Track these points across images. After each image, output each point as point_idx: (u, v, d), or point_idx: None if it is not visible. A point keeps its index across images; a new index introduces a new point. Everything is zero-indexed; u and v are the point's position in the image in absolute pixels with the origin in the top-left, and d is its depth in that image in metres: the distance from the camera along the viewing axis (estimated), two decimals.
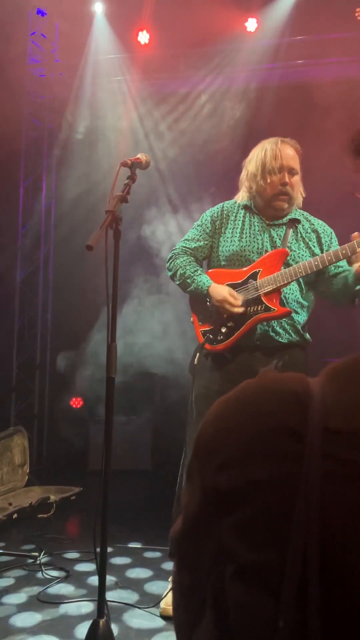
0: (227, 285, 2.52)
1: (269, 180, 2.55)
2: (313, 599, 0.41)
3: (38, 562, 3.04)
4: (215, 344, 2.52)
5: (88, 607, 2.51)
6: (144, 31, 5.35)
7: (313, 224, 2.65)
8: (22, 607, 2.51)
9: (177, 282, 2.67)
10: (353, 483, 0.42)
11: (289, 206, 2.59)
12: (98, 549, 1.95)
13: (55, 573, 2.92)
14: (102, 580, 1.88)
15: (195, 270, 2.61)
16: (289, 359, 2.53)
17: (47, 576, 2.87)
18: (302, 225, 2.62)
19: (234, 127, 5.27)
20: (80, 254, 3.58)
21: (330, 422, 0.44)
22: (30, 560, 3.07)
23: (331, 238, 2.62)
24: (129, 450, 5.15)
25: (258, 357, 2.51)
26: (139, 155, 2.28)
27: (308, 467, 0.43)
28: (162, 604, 2.46)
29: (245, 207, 2.65)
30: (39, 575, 2.89)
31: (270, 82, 5.16)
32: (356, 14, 4.69)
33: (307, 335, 2.63)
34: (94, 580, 2.77)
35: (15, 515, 3.77)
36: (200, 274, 2.59)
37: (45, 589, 2.70)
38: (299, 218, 2.63)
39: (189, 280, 2.60)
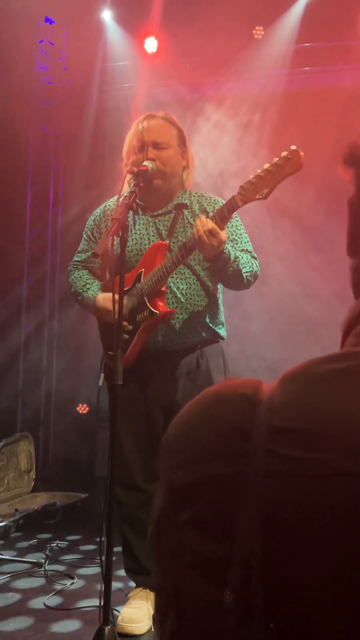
0: None
1: (132, 161, 2.35)
2: (256, 590, 0.43)
3: (44, 568, 3.03)
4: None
5: (94, 614, 2.51)
6: (152, 37, 5.38)
7: (202, 204, 2.40)
8: (28, 614, 2.51)
9: (76, 302, 2.50)
10: (293, 478, 0.44)
11: (163, 182, 2.36)
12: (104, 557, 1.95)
13: (61, 579, 2.92)
14: (107, 587, 1.88)
15: (84, 285, 2.43)
16: (207, 354, 2.35)
17: (53, 583, 2.87)
18: (190, 209, 2.38)
19: (242, 133, 5.28)
20: None
21: (275, 421, 0.47)
22: (36, 567, 3.07)
23: None
24: None
25: (171, 360, 2.32)
26: (145, 163, 2.27)
27: (253, 464, 0.46)
28: (118, 621, 2.27)
29: None
30: (45, 581, 2.89)
31: (278, 89, 5.18)
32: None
33: (220, 330, 2.42)
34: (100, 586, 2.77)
35: (21, 521, 3.78)
36: (88, 288, 2.40)
37: (51, 595, 2.70)
38: (185, 202, 2.40)
39: (79, 298, 2.44)
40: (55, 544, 3.48)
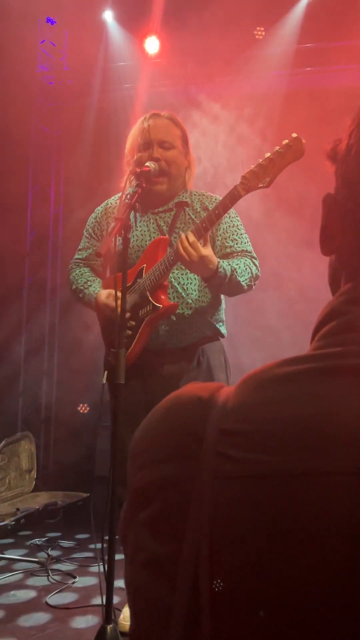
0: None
1: (136, 158, 2.32)
2: (203, 589, 0.45)
3: (45, 567, 3.04)
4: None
5: (96, 612, 2.51)
6: (154, 37, 5.38)
7: (204, 202, 2.39)
8: (30, 613, 2.52)
9: (76, 299, 2.50)
10: (237, 478, 0.46)
11: (169, 186, 2.34)
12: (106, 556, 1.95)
13: (62, 578, 2.92)
14: (109, 586, 1.88)
15: (85, 282, 2.43)
16: (208, 352, 2.34)
17: (55, 581, 2.88)
18: (192, 207, 2.37)
19: (244, 133, 5.29)
20: None
21: (225, 424, 0.49)
22: (38, 566, 3.08)
23: (228, 214, 2.27)
24: None
25: (172, 357, 2.29)
26: (147, 164, 2.27)
27: (203, 465, 0.48)
28: (121, 620, 2.26)
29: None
30: (47, 580, 2.90)
31: (279, 89, 5.18)
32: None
33: (221, 328, 2.40)
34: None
35: (22, 521, 3.78)
36: (89, 285, 2.41)
37: (53, 594, 2.71)
38: (186, 200, 2.39)
39: (80, 295, 2.44)
40: (56, 543, 3.49)
